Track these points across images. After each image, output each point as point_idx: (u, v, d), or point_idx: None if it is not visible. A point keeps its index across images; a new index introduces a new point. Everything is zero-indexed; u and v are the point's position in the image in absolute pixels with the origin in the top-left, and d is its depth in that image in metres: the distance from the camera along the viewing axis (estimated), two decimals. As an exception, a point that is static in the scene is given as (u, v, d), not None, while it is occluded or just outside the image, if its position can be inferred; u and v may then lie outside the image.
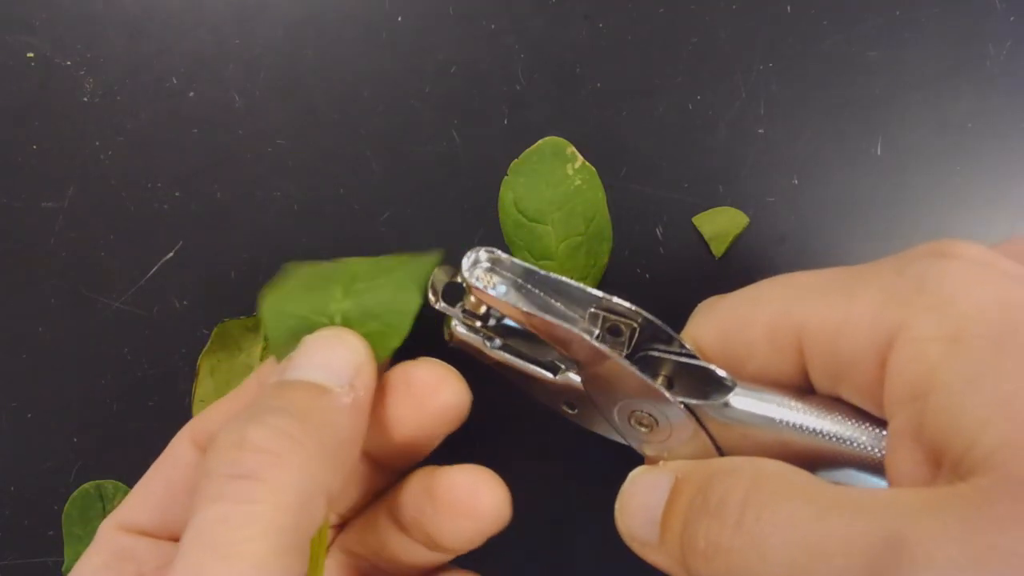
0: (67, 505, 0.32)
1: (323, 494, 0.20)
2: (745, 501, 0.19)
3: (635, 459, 0.25)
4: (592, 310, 0.24)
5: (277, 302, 0.25)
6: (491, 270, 0.24)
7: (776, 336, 0.21)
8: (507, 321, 0.25)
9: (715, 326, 0.23)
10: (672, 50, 0.32)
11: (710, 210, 0.32)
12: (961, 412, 0.17)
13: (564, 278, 0.24)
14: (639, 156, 0.32)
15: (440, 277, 0.25)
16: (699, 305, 0.24)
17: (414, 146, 0.32)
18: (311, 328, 0.24)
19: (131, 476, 0.32)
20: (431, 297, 0.25)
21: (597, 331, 0.24)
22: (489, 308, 0.25)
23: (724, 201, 0.32)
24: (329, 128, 0.32)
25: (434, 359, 0.23)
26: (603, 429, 0.26)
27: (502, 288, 0.24)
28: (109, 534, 0.24)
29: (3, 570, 0.33)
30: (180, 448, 0.26)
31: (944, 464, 0.17)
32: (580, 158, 0.31)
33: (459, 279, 0.24)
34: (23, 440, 0.32)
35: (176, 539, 0.25)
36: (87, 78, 0.32)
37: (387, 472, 0.26)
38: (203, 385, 0.32)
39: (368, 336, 0.23)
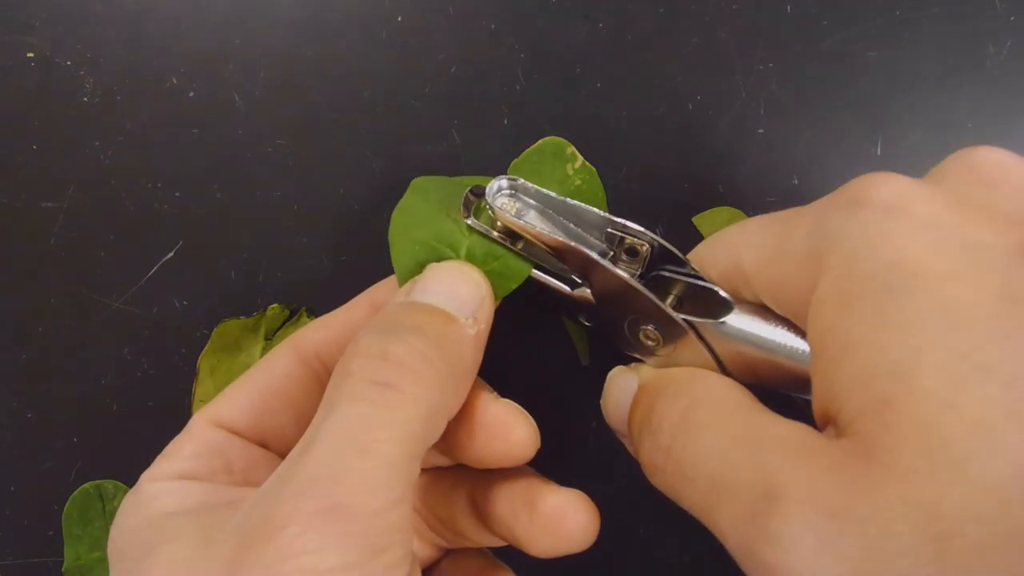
0: (67, 505, 0.32)
1: (445, 414, 0.22)
2: (676, 427, 0.21)
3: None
4: (608, 230, 0.25)
5: (404, 226, 0.26)
6: (513, 195, 0.26)
7: (735, 287, 0.23)
8: (528, 242, 0.27)
9: (696, 265, 0.25)
10: (672, 50, 0.32)
11: (710, 210, 0.32)
12: (834, 378, 0.18)
13: (581, 203, 0.25)
14: (639, 156, 0.32)
15: (471, 198, 0.27)
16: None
17: (414, 146, 0.32)
18: (436, 257, 0.25)
19: (131, 476, 0.32)
20: (463, 213, 0.26)
21: (613, 251, 0.25)
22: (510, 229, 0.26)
23: (724, 201, 0.32)
24: (329, 128, 0.32)
25: (510, 401, 0.24)
26: (615, 343, 0.27)
27: (523, 212, 0.25)
28: (202, 426, 0.25)
29: (3, 570, 0.33)
30: (282, 358, 0.26)
31: (829, 419, 0.18)
32: (580, 158, 0.31)
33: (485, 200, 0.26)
34: (23, 440, 0.32)
35: (264, 444, 0.26)
36: (87, 78, 0.32)
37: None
38: (203, 385, 0.32)
39: (488, 274, 0.25)
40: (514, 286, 0.25)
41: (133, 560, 0.20)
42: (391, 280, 0.27)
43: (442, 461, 0.27)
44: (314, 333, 0.27)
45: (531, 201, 0.26)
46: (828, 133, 0.32)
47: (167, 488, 0.22)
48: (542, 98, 0.32)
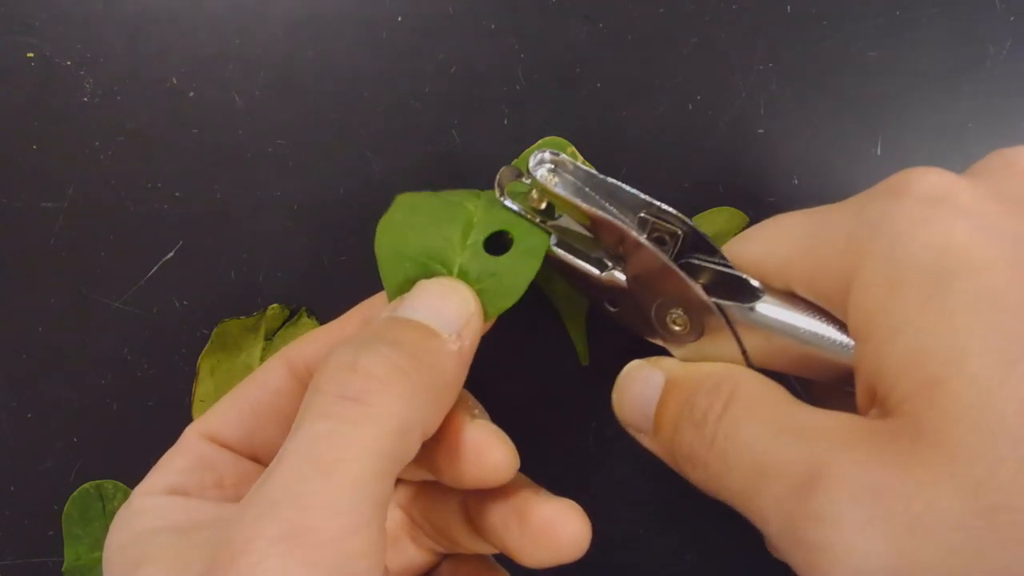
0: (67, 505, 0.32)
1: (420, 430, 0.21)
2: (720, 419, 0.21)
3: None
4: (642, 215, 0.25)
5: (393, 242, 0.25)
6: (554, 170, 0.26)
7: (766, 277, 0.23)
8: (562, 222, 0.27)
9: (729, 259, 0.25)
10: (672, 50, 0.32)
11: (710, 210, 0.32)
12: (883, 360, 0.18)
13: (620, 183, 0.25)
14: (639, 156, 0.32)
15: (506, 175, 0.27)
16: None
17: (414, 146, 0.32)
18: (427, 274, 0.25)
19: (131, 476, 0.32)
20: (496, 191, 0.26)
21: (644, 235, 0.25)
22: (548, 204, 0.26)
23: (724, 201, 0.32)
24: (329, 128, 0.32)
25: (489, 423, 0.24)
26: (639, 329, 0.27)
27: (562, 187, 0.25)
28: (193, 440, 0.25)
29: (3, 570, 0.33)
30: (273, 372, 0.26)
31: (875, 401, 0.19)
32: (580, 158, 0.31)
33: (524, 178, 0.26)
34: (23, 440, 0.32)
35: (255, 459, 0.25)
36: (87, 78, 0.32)
37: None
38: (203, 385, 0.32)
39: (481, 292, 0.24)
40: (508, 305, 0.25)
41: None
42: (384, 295, 0.27)
43: (429, 476, 0.27)
44: (306, 347, 0.27)
45: (569, 177, 0.26)
46: (828, 133, 0.32)
47: (156, 504, 0.22)
48: (542, 98, 0.32)
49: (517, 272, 0.25)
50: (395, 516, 0.28)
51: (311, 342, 0.27)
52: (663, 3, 0.32)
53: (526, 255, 0.25)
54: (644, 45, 0.32)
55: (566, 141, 0.31)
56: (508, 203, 0.26)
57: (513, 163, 0.31)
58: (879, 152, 0.32)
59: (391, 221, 0.26)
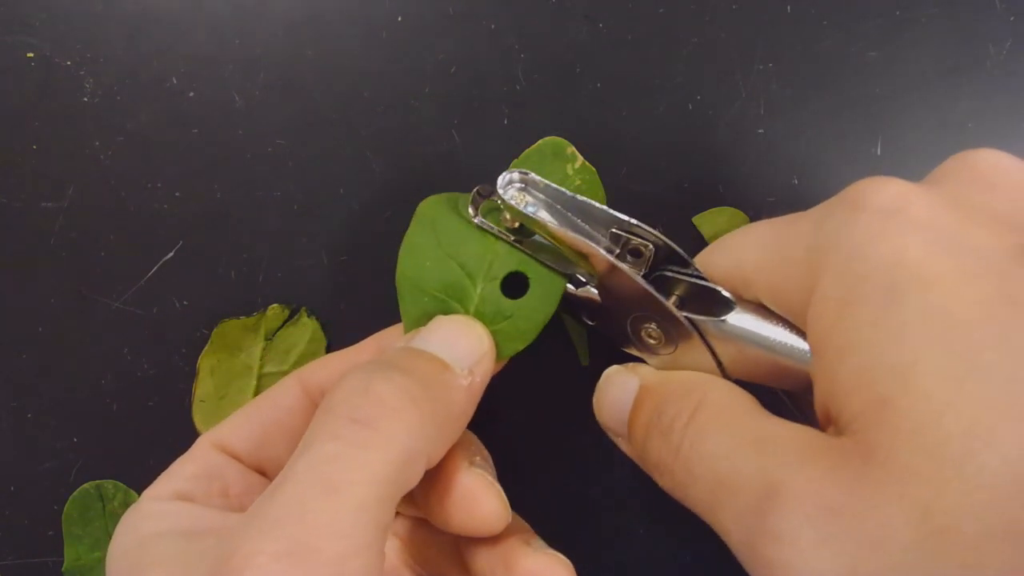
0: (67, 505, 0.32)
1: (424, 460, 0.21)
2: (686, 428, 0.21)
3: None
4: (614, 230, 0.25)
5: (413, 273, 0.26)
6: (523, 189, 0.26)
7: (735, 289, 0.23)
8: (536, 237, 0.27)
9: (702, 268, 0.25)
10: (672, 50, 0.32)
11: (710, 210, 0.32)
12: (835, 378, 0.18)
13: (589, 200, 0.25)
14: (639, 156, 0.32)
15: (483, 193, 0.27)
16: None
17: (414, 146, 0.32)
18: (445, 311, 0.25)
19: (131, 476, 0.32)
20: (470, 212, 0.26)
21: (618, 250, 0.25)
22: (521, 224, 0.26)
23: (724, 201, 0.32)
24: (329, 128, 0.32)
25: (484, 474, 0.23)
26: (616, 340, 0.27)
27: (532, 206, 0.25)
28: (204, 448, 0.25)
29: (3, 570, 0.33)
30: (287, 390, 0.27)
31: (829, 418, 0.19)
32: (580, 158, 0.31)
33: (495, 197, 0.26)
34: (23, 440, 0.32)
35: (261, 471, 0.26)
36: (87, 78, 0.32)
37: None
38: (203, 385, 0.32)
39: (495, 334, 0.25)
40: (520, 348, 0.25)
41: None
42: (399, 326, 0.28)
43: (421, 513, 0.27)
44: (320, 370, 0.27)
45: (540, 196, 0.26)
46: (828, 133, 0.32)
47: (162, 509, 0.22)
48: (542, 98, 0.32)
49: (531, 317, 0.25)
50: (393, 545, 0.28)
51: (326, 366, 0.27)
52: (663, 3, 0.32)
53: (542, 299, 0.26)
54: (644, 45, 0.32)
55: (566, 141, 0.31)
56: (480, 221, 0.26)
57: (513, 163, 0.31)
58: (879, 152, 0.32)
59: (412, 247, 0.26)
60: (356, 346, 0.28)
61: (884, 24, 0.32)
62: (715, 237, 0.31)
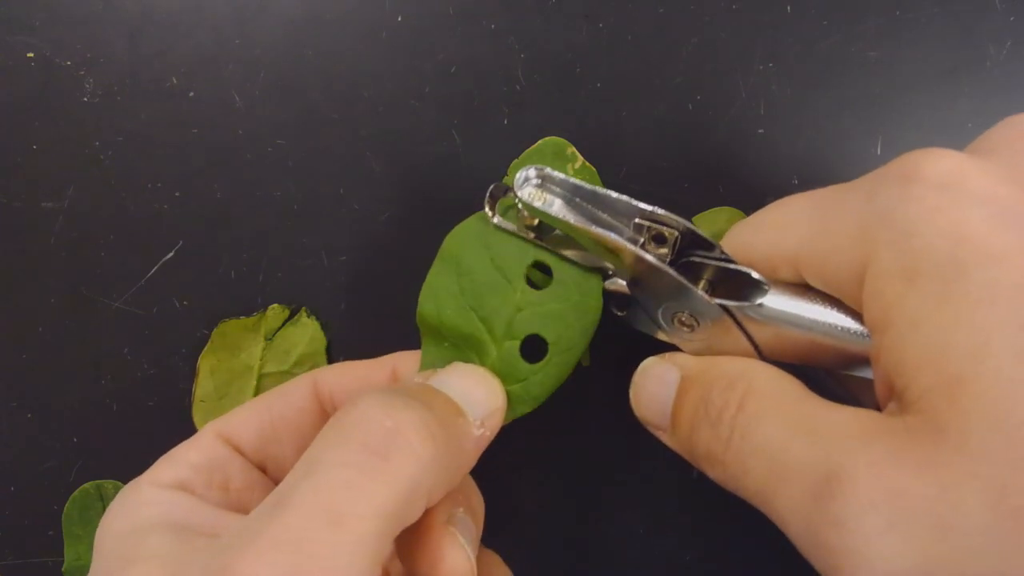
0: (67, 505, 0.32)
1: (427, 498, 0.20)
2: (735, 417, 0.21)
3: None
4: (637, 220, 0.25)
5: (435, 316, 0.26)
6: (541, 186, 0.25)
7: (774, 264, 0.23)
8: (558, 232, 0.26)
9: (731, 249, 0.24)
10: (672, 50, 0.32)
11: (710, 210, 0.32)
12: (902, 354, 0.18)
13: (610, 191, 0.25)
14: (639, 156, 0.32)
15: (497, 192, 0.26)
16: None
17: (414, 146, 0.32)
18: (462, 359, 0.26)
19: (131, 476, 0.32)
20: (488, 212, 0.26)
21: (642, 239, 0.25)
22: (541, 221, 0.26)
23: (724, 201, 0.32)
24: (329, 128, 0.32)
25: (457, 536, 0.23)
26: (649, 330, 0.27)
27: (552, 203, 0.25)
28: (210, 438, 0.25)
29: (3, 570, 0.33)
30: (299, 390, 0.26)
31: (893, 394, 0.18)
32: (580, 158, 0.31)
33: (512, 195, 0.25)
34: (23, 440, 0.32)
35: (263, 468, 0.25)
36: (87, 78, 0.32)
37: None
38: (203, 385, 0.32)
39: (507, 391, 0.25)
40: (526, 411, 0.26)
41: (109, 570, 0.20)
42: (417, 353, 0.28)
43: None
44: (336, 376, 0.27)
45: (558, 190, 0.25)
46: (828, 133, 0.32)
47: (159, 496, 0.22)
48: (542, 98, 0.32)
49: (544, 383, 0.26)
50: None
51: (343, 373, 0.27)
52: (663, 3, 0.32)
53: (557, 366, 0.26)
54: (644, 45, 0.32)
55: (566, 141, 0.31)
56: (499, 221, 0.26)
57: (513, 163, 0.31)
58: (879, 152, 0.31)
59: (434, 289, 0.26)
60: (374, 360, 0.28)
61: (884, 24, 0.32)
62: (715, 237, 0.31)
